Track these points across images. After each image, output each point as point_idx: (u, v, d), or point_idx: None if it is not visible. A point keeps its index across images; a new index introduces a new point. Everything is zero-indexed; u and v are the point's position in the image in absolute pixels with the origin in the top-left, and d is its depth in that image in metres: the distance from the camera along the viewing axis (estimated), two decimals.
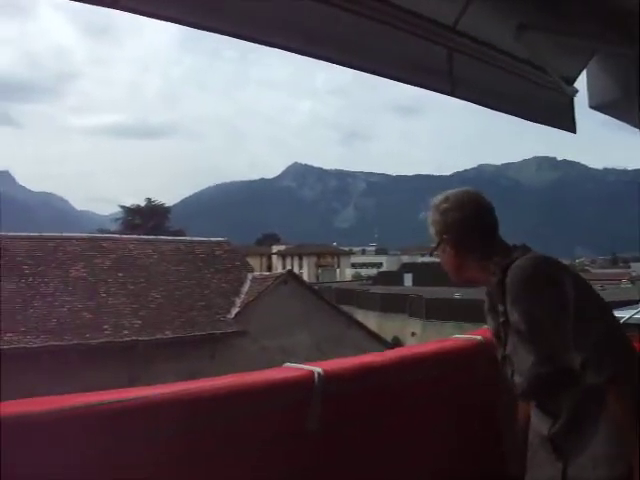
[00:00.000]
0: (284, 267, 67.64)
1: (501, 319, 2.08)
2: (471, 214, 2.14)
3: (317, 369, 2.06)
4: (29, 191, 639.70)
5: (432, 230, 2.19)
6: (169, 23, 2.01)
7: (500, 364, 2.16)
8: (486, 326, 2.32)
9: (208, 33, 2.10)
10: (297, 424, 2.03)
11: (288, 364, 2.19)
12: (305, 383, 2.04)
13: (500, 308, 2.07)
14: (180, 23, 2.07)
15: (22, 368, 15.82)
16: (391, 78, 2.71)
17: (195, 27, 2.08)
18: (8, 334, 16.59)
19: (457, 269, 2.19)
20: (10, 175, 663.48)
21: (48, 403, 1.64)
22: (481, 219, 2.16)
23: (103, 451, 1.65)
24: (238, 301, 19.98)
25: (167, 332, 18.21)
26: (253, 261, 43.47)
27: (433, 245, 2.20)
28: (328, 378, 2.06)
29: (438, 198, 2.19)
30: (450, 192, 2.19)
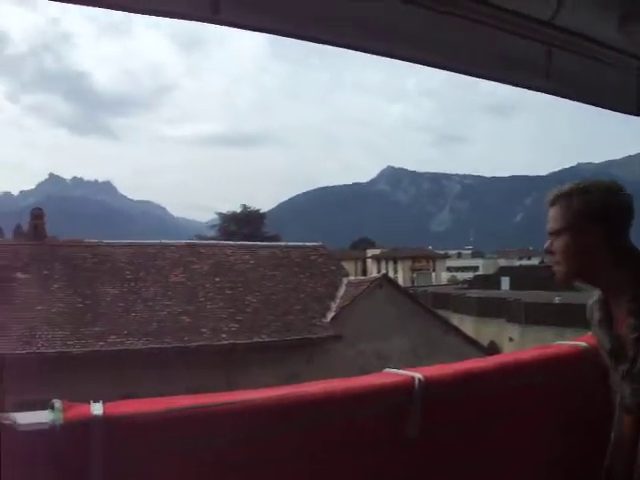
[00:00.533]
0: (379, 271, 67.59)
1: (633, 335, 1.90)
2: (606, 204, 1.94)
3: (417, 375, 2.00)
4: (129, 200, 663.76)
5: (555, 218, 2.02)
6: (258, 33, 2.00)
7: (611, 376, 2.04)
8: (590, 333, 2.19)
9: (297, 41, 2.08)
10: (396, 430, 1.99)
11: (388, 369, 2.14)
12: (405, 389, 1.99)
13: (631, 321, 1.90)
14: (275, 33, 2.05)
15: (125, 369, 16.39)
16: (486, 78, 2.61)
17: (288, 36, 2.05)
18: (112, 336, 17.20)
19: (576, 265, 2.01)
20: (112, 185, 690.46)
21: (155, 404, 1.67)
22: (617, 211, 1.96)
23: (210, 451, 1.68)
24: (333, 305, 19.99)
25: (264, 336, 18.40)
26: (348, 265, 43.57)
27: (550, 239, 2.04)
28: (428, 384, 2.01)
29: (567, 185, 2.02)
30: (581, 181, 2.02)
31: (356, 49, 2.18)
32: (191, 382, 15.72)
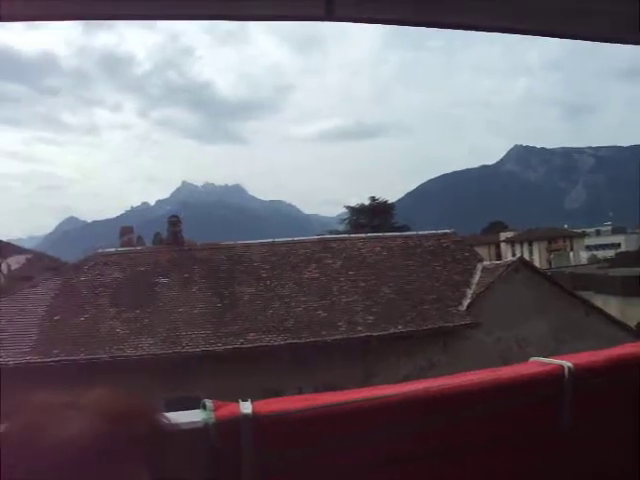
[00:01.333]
0: (513, 254, 65.81)
1: None
2: None
3: (567, 363, 1.87)
4: (259, 201, 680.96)
5: None
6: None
7: None
8: None
9: (409, 27, 2.02)
10: (548, 422, 1.89)
11: (534, 358, 2.01)
12: (555, 378, 1.87)
13: None
14: (392, 23, 2.03)
15: (265, 365, 16.77)
16: (613, 41, 2.38)
17: (404, 24, 2.01)
18: (251, 334, 17.62)
19: None
20: (241, 188, 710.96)
21: (302, 401, 1.67)
22: None
23: (354, 448, 1.67)
24: (469, 292, 19.57)
25: (399, 326, 18.28)
26: (481, 250, 42.62)
27: None
28: (579, 372, 1.87)
29: None
30: None
31: (460, 28, 2.07)
32: (329, 376, 15.91)
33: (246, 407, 1.57)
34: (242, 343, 17.40)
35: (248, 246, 21.41)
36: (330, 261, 20.50)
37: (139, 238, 29.83)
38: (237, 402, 1.61)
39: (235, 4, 1.74)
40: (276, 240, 21.94)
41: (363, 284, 19.65)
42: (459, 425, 1.78)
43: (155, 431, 1.04)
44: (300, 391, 15.44)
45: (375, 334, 17.91)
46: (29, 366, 16.46)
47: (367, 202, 55.47)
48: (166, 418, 1.10)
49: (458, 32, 2.04)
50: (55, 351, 16.92)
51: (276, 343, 17.49)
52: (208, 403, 1.58)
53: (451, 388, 1.78)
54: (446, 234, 22.68)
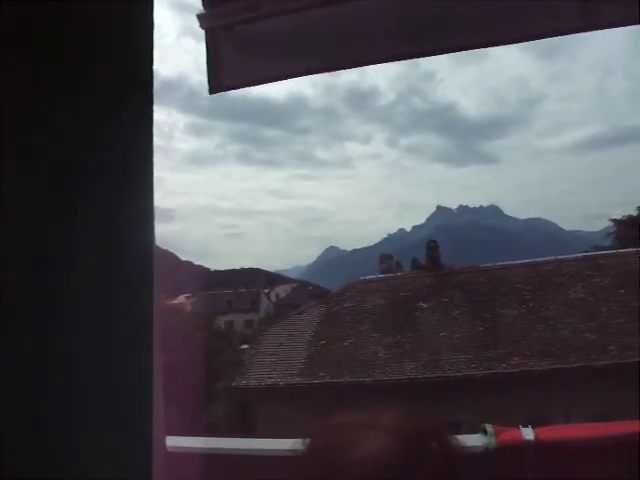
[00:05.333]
0: None
1: None
2: None
3: None
4: (516, 220, 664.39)
5: None
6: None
7: None
8: None
9: None
10: None
11: None
12: None
13: None
14: None
15: (527, 391, 16.16)
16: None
17: None
18: (514, 358, 17.10)
19: None
20: (497, 208, 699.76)
21: (584, 430, 1.64)
22: None
23: None
24: None
25: None
26: None
27: None
28: None
29: None
30: None
31: None
32: (599, 404, 14.89)
33: (528, 433, 1.54)
34: (505, 368, 16.94)
35: (508, 267, 20.93)
36: (598, 279, 19.31)
37: (398, 264, 30.48)
38: (517, 427, 1.58)
39: (480, 32, 1.71)
40: (537, 259, 21.24)
41: (635, 303, 18.23)
42: None
43: (448, 451, 1.04)
44: (567, 420, 14.73)
45: None
46: (297, 387, 17.49)
47: (635, 213, 51.88)
48: (456, 439, 1.09)
49: None
50: (321, 374, 17.78)
51: (540, 368, 16.78)
52: (489, 428, 1.59)
53: None
54: None
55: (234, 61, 1.63)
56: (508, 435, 1.53)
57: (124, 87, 1.24)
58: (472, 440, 1.56)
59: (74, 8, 0.97)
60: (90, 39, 1.05)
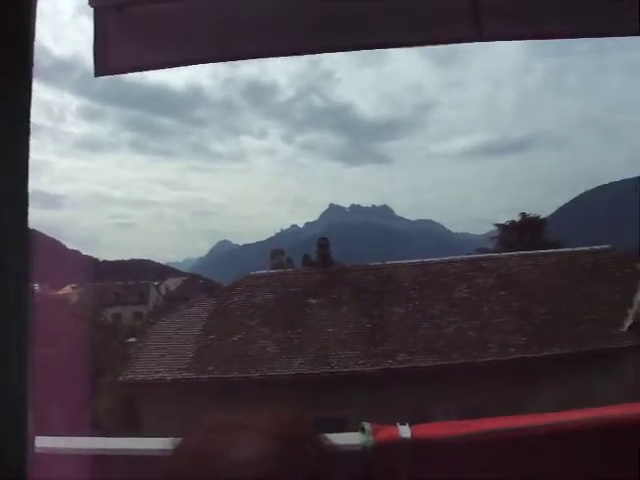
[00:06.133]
0: None
1: None
2: None
3: None
4: (407, 221, 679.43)
5: None
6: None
7: None
8: None
9: None
10: None
11: None
12: None
13: None
14: (541, 38, 1.96)
15: (414, 387, 16.55)
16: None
17: (550, 38, 1.95)
18: (401, 354, 17.49)
19: None
20: (388, 208, 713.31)
21: (459, 427, 1.64)
22: None
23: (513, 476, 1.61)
24: (631, 312, 18.41)
25: (555, 349, 17.48)
26: None
27: None
28: None
29: None
30: None
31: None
32: (479, 399, 15.43)
33: (405, 431, 1.55)
34: (391, 364, 17.31)
35: (397, 266, 21.36)
36: (481, 280, 20.01)
37: (289, 260, 30.53)
38: (395, 425, 1.59)
39: (380, 33, 1.74)
40: (426, 260, 21.76)
41: (515, 304, 19.00)
42: (632, 460, 1.60)
43: (321, 454, 1.02)
44: (448, 413, 15.19)
45: (529, 356, 17.24)
46: (185, 382, 17.25)
47: (517, 218, 54.02)
48: (328, 440, 1.08)
49: None
50: (210, 368, 17.63)
51: (425, 364, 17.25)
52: (367, 426, 1.57)
53: (625, 419, 1.62)
54: (604, 250, 21.53)
55: (122, 44, 1.57)
56: (385, 433, 1.54)
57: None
58: (351, 438, 1.55)
59: None
60: None
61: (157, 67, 1.72)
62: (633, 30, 1.75)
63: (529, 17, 1.75)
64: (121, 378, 18.57)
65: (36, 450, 1.42)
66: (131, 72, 1.67)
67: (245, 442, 0.95)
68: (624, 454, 1.59)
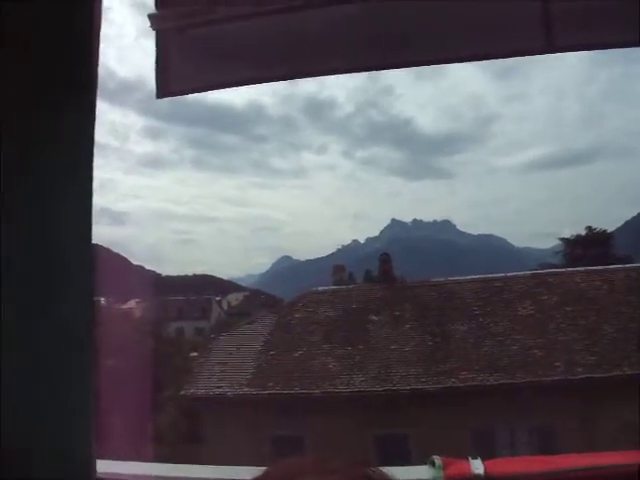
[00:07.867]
0: None
1: None
2: None
3: None
4: (469, 235, 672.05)
5: None
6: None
7: None
8: None
9: None
10: None
11: None
12: None
13: None
14: (611, 47, 1.85)
15: (476, 405, 16.26)
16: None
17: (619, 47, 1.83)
18: (463, 372, 17.21)
19: None
20: (450, 223, 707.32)
21: (534, 463, 1.56)
22: None
23: None
24: None
25: (625, 368, 16.94)
26: None
27: None
28: None
29: None
30: None
31: None
32: (545, 419, 15.06)
33: (477, 466, 1.48)
34: (453, 382, 17.04)
35: (459, 282, 21.10)
36: (546, 297, 19.57)
37: (350, 276, 30.52)
38: (466, 459, 1.52)
39: (446, 49, 1.71)
40: (488, 276, 21.45)
41: (582, 321, 18.51)
42: None
43: None
44: (512, 433, 14.86)
45: (597, 376, 16.74)
46: (246, 397, 17.32)
47: (583, 232, 52.98)
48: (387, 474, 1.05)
49: None
50: (270, 384, 17.65)
51: (489, 383, 16.92)
52: (437, 460, 1.51)
53: None
54: None
55: (184, 66, 1.57)
56: (457, 468, 1.46)
57: (64, 88, 1.19)
58: (420, 472, 1.48)
59: (24, 9, 0.92)
60: (27, 39, 1.00)
61: (217, 87, 1.71)
62: None
63: (598, 26, 1.69)
64: (183, 392, 18.78)
65: (98, 475, 1.41)
66: (192, 93, 1.67)
67: None
68: None
